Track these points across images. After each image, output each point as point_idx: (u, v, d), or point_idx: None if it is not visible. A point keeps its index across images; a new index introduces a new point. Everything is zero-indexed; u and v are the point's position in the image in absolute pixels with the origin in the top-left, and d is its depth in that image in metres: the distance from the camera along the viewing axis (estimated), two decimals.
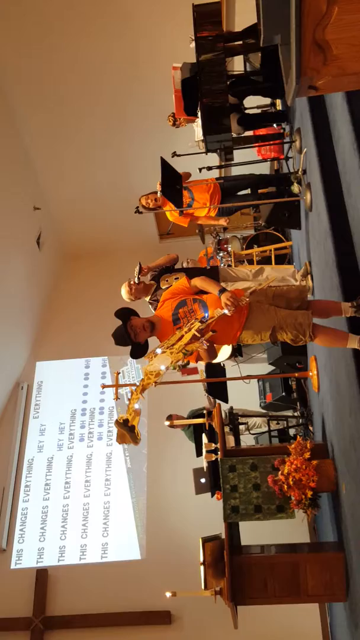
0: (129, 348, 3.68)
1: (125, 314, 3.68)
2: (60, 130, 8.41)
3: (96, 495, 8.35)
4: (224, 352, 6.30)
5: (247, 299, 3.49)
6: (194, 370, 6.55)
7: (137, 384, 3.47)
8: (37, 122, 8.19)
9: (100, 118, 8.35)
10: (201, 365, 6.01)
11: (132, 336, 3.60)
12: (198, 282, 3.73)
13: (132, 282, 4.83)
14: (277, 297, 3.65)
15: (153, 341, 3.73)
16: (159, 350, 3.42)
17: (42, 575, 7.70)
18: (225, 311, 3.42)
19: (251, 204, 6.36)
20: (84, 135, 8.53)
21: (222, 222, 5.97)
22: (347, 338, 3.43)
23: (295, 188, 5.48)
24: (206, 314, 3.55)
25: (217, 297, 3.52)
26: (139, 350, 3.68)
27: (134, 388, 3.48)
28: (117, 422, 3.45)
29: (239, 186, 6.05)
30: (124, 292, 4.90)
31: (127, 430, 3.41)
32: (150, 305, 4.95)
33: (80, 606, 7.36)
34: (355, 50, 1.96)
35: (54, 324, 9.85)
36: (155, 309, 4.79)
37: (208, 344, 3.47)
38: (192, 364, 6.41)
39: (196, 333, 3.37)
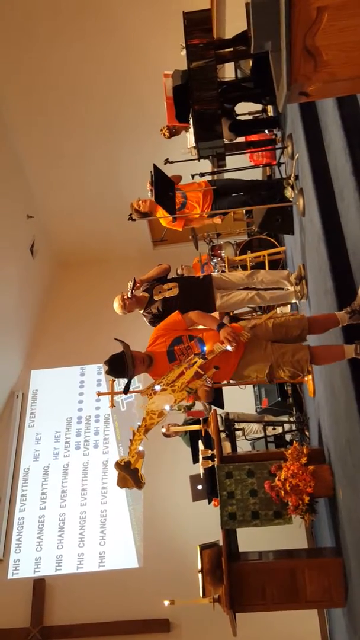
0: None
1: (125, 346, 3.47)
2: (52, 139, 8.42)
3: (93, 503, 8.32)
4: None
5: (248, 335, 3.38)
6: (201, 413, 6.46)
7: (139, 424, 3.27)
8: (30, 131, 8.19)
9: (92, 126, 8.36)
10: None
11: (131, 367, 3.38)
12: (194, 316, 3.58)
13: (124, 297, 4.76)
14: (276, 327, 3.56)
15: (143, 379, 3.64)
16: (157, 387, 3.24)
17: (39, 585, 7.66)
18: (228, 347, 3.28)
19: (246, 208, 6.37)
20: (76, 143, 8.54)
21: (217, 219, 5.94)
22: (343, 350, 3.39)
23: (288, 193, 5.49)
24: (203, 348, 3.39)
25: (215, 332, 3.38)
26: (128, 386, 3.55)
27: (135, 428, 3.27)
28: (117, 465, 3.19)
29: (231, 187, 6.03)
30: (117, 306, 4.80)
31: (129, 474, 3.17)
32: (144, 318, 4.89)
33: (78, 616, 7.31)
34: (346, 56, 1.96)
35: (48, 332, 9.82)
36: (149, 322, 4.76)
37: (212, 382, 3.31)
38: (197, 406, 6.40)
39: (199, 370, 3.23)
